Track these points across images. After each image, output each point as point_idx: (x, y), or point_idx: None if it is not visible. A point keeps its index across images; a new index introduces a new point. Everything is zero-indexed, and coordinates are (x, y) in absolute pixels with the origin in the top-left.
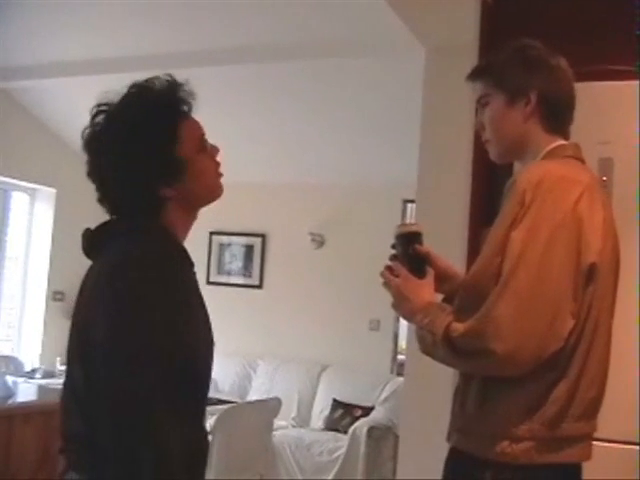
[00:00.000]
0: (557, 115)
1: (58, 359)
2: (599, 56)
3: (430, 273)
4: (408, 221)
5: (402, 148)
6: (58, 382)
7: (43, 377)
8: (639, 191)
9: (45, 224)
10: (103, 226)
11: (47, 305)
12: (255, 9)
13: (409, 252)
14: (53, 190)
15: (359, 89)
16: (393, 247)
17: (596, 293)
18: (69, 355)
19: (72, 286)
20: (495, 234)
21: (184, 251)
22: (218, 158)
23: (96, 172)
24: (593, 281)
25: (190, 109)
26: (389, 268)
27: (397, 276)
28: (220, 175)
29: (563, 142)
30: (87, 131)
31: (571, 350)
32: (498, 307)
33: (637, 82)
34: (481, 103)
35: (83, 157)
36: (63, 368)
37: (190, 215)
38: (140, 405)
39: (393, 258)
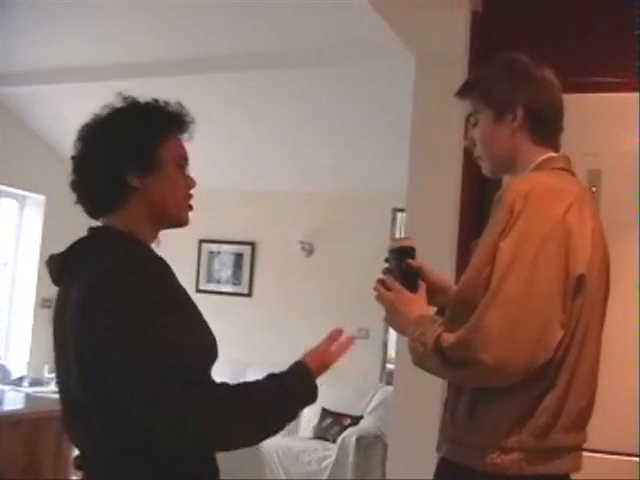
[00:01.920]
0: (545, 127)
1: (46, 367)
2: (588, 68)
3: (422, 287)
4: (401, 236)
5: (392, 157)
6: (46, 390)
7: (31, 385)
8: (639, 198)
9: (34, 231)
10: (71, 249)
11: (35, 312)
12: (245, 17)
13: (402, 266)
14: (42, 197)
15: (349, 98)
16: (386, 261)
17: (585, 304)
18: (62, 374)
19: None
20: (484, 244)
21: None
22: (192, 192)
23: (78, 153)
24: (581, 292)
25: (182, 134)
26: (382, 281)
27: (390, 290)
28: (189, 207)
29: (553, 154)
30: (88, 120)
31: (560, 361)
32: (487, 317)
33: (626, 94)
34: (470, 121)
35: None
36: (51, 376)
37: (154, 222)
38: (168, 415)
39: (386, 272)
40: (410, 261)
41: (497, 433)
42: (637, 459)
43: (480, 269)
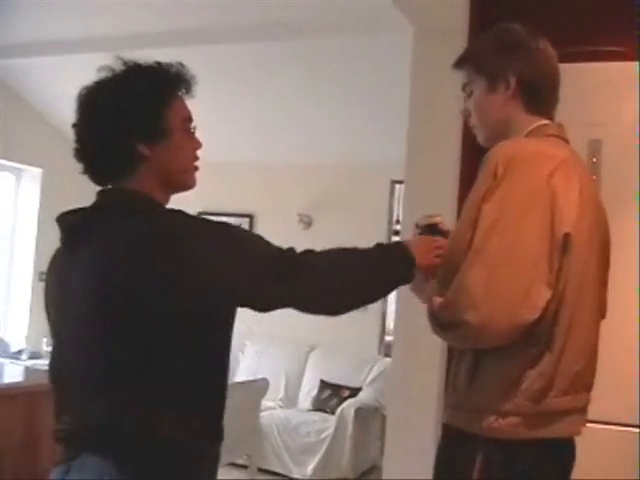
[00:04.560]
0: (538, 97)
1: (45, 340)
2: (589, 37)
3: None
4: (430, 213)
5: (391, 128)
6: (44, 363)
7: (30, 358)
8: None
9: (31, 204)
10: (96, 209)
11: (33, 286)
12: None
13: None
14: (39, 170)
15: (347, 69)
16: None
17: (574, 265)
18: (66, 341)
19: None
20: (467, 207)
21: None
22: (199, 153)
23: (82, 121)
24: (569, 252)
25: (187, 94)
26: None
27: None
28: (196, 167)
29: (546, 122)
30: (88, 84)
31: (552, 323)
32: (469, 277)
33: (627, 63)
34: (465, 91)
35: (70, 137)
36: (49, 349)
37: (164, 188)
38: (287, 288)
39: None
40: (440, 225)
41: (493, 397)
42: (637, 430)
43: (464, 232)
